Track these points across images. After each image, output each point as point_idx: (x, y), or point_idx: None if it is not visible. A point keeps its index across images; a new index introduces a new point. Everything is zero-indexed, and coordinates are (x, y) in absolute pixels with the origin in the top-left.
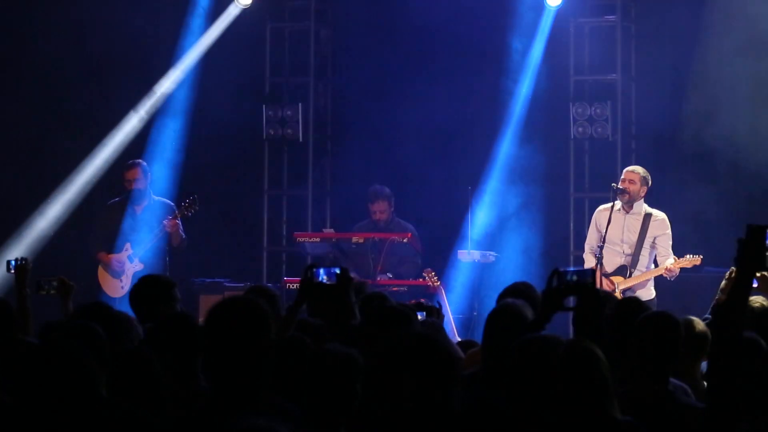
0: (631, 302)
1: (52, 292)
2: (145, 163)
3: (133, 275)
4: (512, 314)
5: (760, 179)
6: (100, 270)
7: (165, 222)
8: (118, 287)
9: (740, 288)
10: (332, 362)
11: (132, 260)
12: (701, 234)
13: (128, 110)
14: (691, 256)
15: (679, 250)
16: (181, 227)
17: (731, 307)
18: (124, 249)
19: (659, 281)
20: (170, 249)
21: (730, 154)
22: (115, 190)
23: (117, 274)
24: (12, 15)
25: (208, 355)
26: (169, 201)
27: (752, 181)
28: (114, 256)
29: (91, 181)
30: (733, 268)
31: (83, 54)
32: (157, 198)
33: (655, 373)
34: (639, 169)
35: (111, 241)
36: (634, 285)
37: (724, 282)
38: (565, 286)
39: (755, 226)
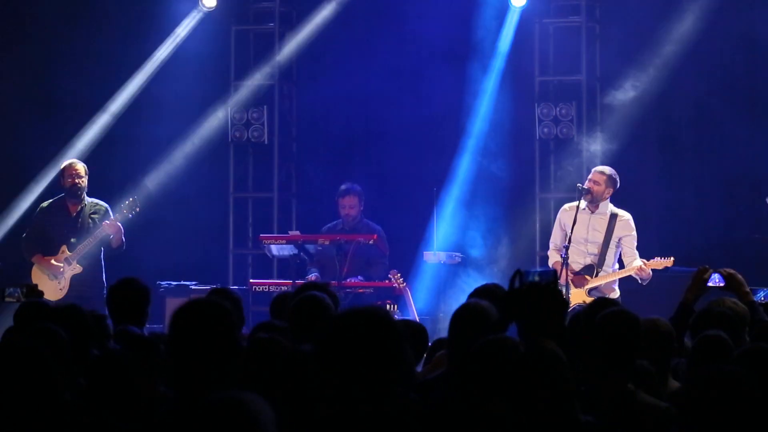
0: (604, 303)
1: (23, 299)
2: (84, 164)
3: (71, 278)
4: (476, 314)
5: (731, 178)
6: (35, 272)
7: (106, 223)
8: (56, 289)
9: None
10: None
11: (70, 263)
12: (668, 234)
13: (95, 112)
14: (662, 258)
15: (646, 250)
16: (122, 229)
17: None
18: (60, 251)
19: (623, 280)
20: (106, 251)
21: (700, 153)
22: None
23: (54, 277)
24: None
25: (173, 359)
26: (102, 202)
27: (722, 180)
28: (50, 259)
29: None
30: (699, 267)
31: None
32: (90, 199)
33: (615, 372)
34: (606, 169)
35: (46, 244)
36: (600, 285)
37: (690, 283)
38: (527, 286)
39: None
